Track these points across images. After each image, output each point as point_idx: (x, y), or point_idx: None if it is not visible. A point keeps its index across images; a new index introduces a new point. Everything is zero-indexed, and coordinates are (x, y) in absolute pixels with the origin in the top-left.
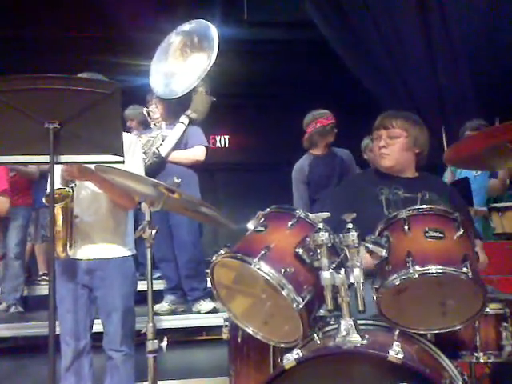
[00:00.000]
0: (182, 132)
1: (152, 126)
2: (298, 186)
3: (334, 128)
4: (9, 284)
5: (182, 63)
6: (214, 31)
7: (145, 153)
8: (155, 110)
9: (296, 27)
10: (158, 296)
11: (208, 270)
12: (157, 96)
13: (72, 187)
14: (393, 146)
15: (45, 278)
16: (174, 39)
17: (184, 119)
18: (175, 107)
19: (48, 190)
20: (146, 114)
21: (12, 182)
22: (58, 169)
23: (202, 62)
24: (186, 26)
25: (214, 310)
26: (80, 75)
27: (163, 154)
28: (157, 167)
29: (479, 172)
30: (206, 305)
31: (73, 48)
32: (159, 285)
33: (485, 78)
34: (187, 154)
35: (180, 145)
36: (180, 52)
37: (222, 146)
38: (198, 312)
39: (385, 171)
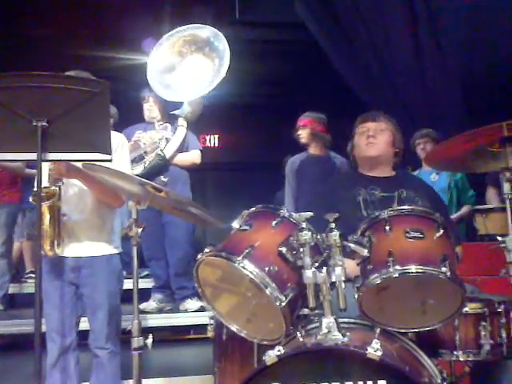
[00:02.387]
0: (184, 135)
1: (156, 125)
2: (289, 180)
3: (297, 130)
4: None
5: (178, 58)
6: (227, 51)
7: (146, 153)
8: (153, 108)
9: (288, 27)
10: (146, 294)
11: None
12: (155, 94)
13: (59, 186)
14: (381, 137)
15: (32, 275)
16: (178, 34)
17: (183, 122)
18: (168, 106)
19: (35, 189)
20: (148, 113)
21: None
22: (45, 167)
23: (208, 73)
24: (202, 32)
25: (202, 309)
26: (68, 73)
27: (167, 157)
28: (160, 168)
29: (437, 177)
30: (193, 303)
31: (62, 45)
32: (146, 283)
33: (474, 82)
34: (186, 157)
35: (182, 148)
36: (182, 43)
37: (212, 145)
38: (185, 311)
39: (368, 163)
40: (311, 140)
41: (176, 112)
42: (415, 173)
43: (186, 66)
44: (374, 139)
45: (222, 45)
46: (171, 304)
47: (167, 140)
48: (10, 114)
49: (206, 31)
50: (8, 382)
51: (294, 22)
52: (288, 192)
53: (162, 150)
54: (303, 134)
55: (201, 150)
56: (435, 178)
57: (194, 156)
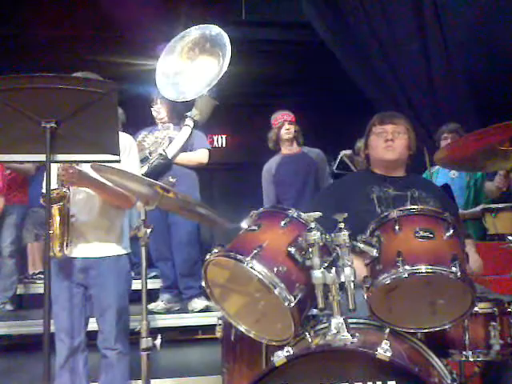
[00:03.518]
0: (188, 135)
1: (159, 125)
2: (265, 186)
3: (282, 126)
4: (1, 282)
5: (188, 63)
6: (226, 38)
7: (150, 153)
8: (160, 110)
9: (294, 27)
10: (154, 295)
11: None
12: (162, 96)
13: (68, 187)
14: (399, 140)
15: (41, 276)
16: (183, 39)
17: (189, 122)
18: (179, 108)
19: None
20: (156, 114)
21: (8, 180)
22: (54, 168)
23: (213, 68)
24: (197, 31)
25: (207, 309)
26: (74, 75)
27: (170, 156)
28: (163, 168)
29: (457, 174)
30: (199, 303)
31: (70, 47)
32: (154, 284)
33: (481, 81)
34: (192, 157)
35: (186, 147)
36: (187, 50)
37: (220, 145)
38: (192, 310)
39: (384, 165)
40: (295, 137)
41: (187, 113)
42: (435, 168)
43: (194, 68)
44: (393, 143)
45: (215, 31)
46: (179, 304)
47: (170, 139)
48: (19, 115)
49: (195, 32)
50: (17, 382)
51: (301, 22)
52: (265, 198)
53: (164, 150)
54: (291, 129)
55: (209, 150)
56: (455, 175)
57: (200, 155)
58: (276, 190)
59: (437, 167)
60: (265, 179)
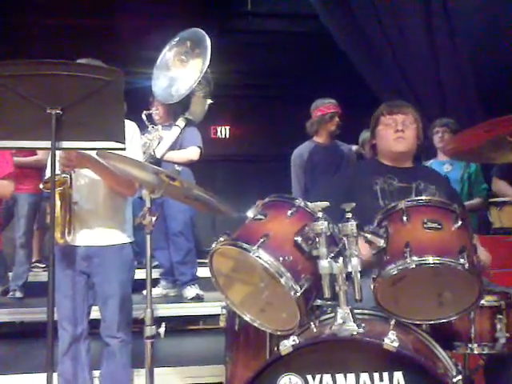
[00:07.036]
0: (177, 134)
1: (149, 128)
2: (296, 172)
3: (333, 117)
4: (14, 271)
5: (182, 70)
6: (206, 39)
7: (144, 153)
8: (156, 112)
9: (299, 19)
10: (154, 284)
11: (207, 259)
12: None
13: (70, 173)
14: (409, 131)
15: (38, 264)
16: (168, 54)
17: (180, 122)
18: (175, 109)
19: (45, 177)
20: (145, 118)
21: (22, 169)
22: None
23: (197, 68)
24: (177, 37)
25: (199, 297)
26: (79, 61)
27: (158, 156)
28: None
29: (450, 167)
30: (191, 291)
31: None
32: (154, 273)
33: (487, 73)
34: (181, 154)
35: (175, 145)
36: (179, 61)
37: (223, 136)
38: (186, 298)
39: (393, 157)
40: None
41: (182, 114)
42: (429, 162)
43: (185, 71)
44: (404, 133)
45: (189, 33)
46: (176, 290)
47: (160, 139)
48: (25, 101)
49: (172, 50)
50: (21, 369)
51: (305, 13)
52: (295, 184)
53: (153, 150)
54: (339, 122)
55: (199, 147)
56: (448, 169)
57: (190, 153)
58: (304, 178)
59: (431, 161)
60: (295, 164)
